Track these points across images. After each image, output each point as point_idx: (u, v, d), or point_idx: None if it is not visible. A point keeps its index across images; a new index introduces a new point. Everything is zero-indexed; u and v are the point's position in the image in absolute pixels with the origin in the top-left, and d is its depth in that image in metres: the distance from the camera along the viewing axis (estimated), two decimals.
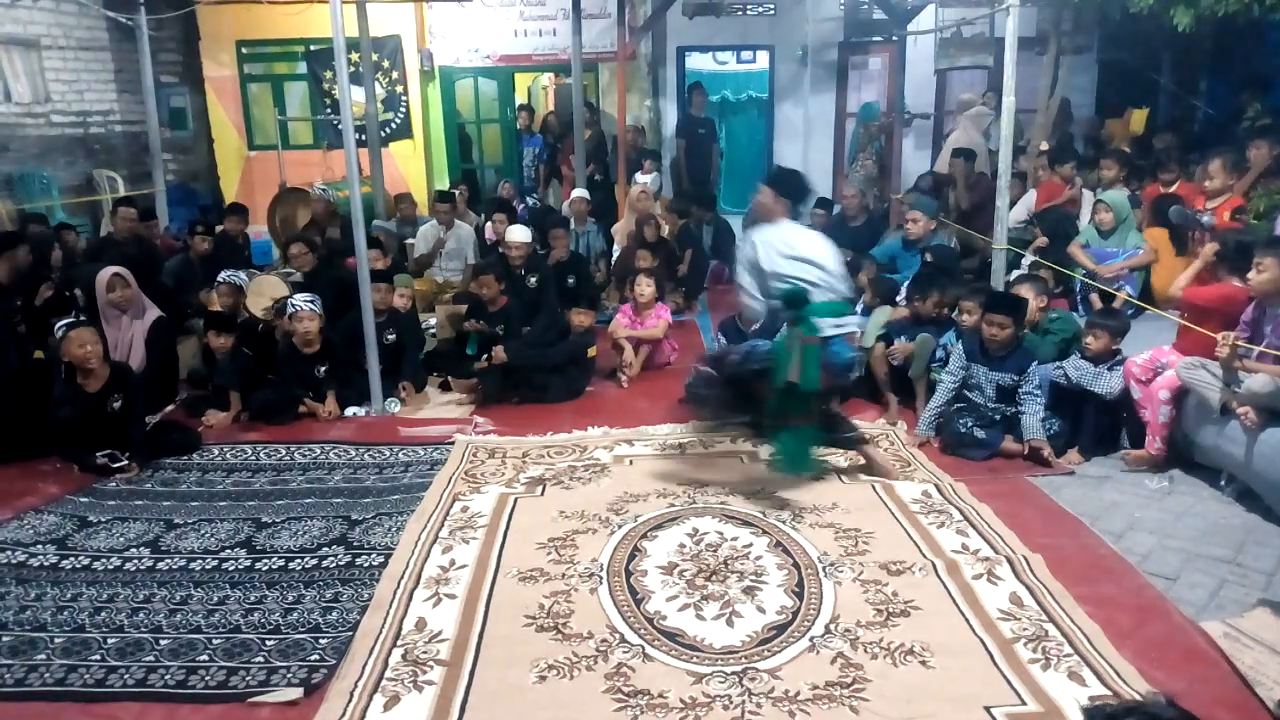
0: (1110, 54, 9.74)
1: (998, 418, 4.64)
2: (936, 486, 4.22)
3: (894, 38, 10.31)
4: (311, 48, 10.29)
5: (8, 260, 6.24)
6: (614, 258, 8.01)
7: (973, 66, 9.29)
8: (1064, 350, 4.84)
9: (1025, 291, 4.96)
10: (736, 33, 10.76)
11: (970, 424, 4.61)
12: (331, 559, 3.65)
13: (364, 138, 8.59)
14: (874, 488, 4.22)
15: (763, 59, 11.31)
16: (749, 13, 10.64)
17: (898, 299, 5.94)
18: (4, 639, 3.13)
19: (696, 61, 11.36)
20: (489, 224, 8.24)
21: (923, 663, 2.88)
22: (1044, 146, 7.89)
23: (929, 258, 6.22)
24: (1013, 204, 6.44)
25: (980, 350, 4.67)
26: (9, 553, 3.76)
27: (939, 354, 5.17)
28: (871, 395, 5.41)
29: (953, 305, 5.35)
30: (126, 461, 4.56)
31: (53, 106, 8.95)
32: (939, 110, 10.86)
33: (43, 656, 3.02)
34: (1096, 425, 4.56)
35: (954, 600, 3.24)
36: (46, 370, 4.86)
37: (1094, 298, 5.74)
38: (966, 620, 3.11)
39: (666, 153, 10.59)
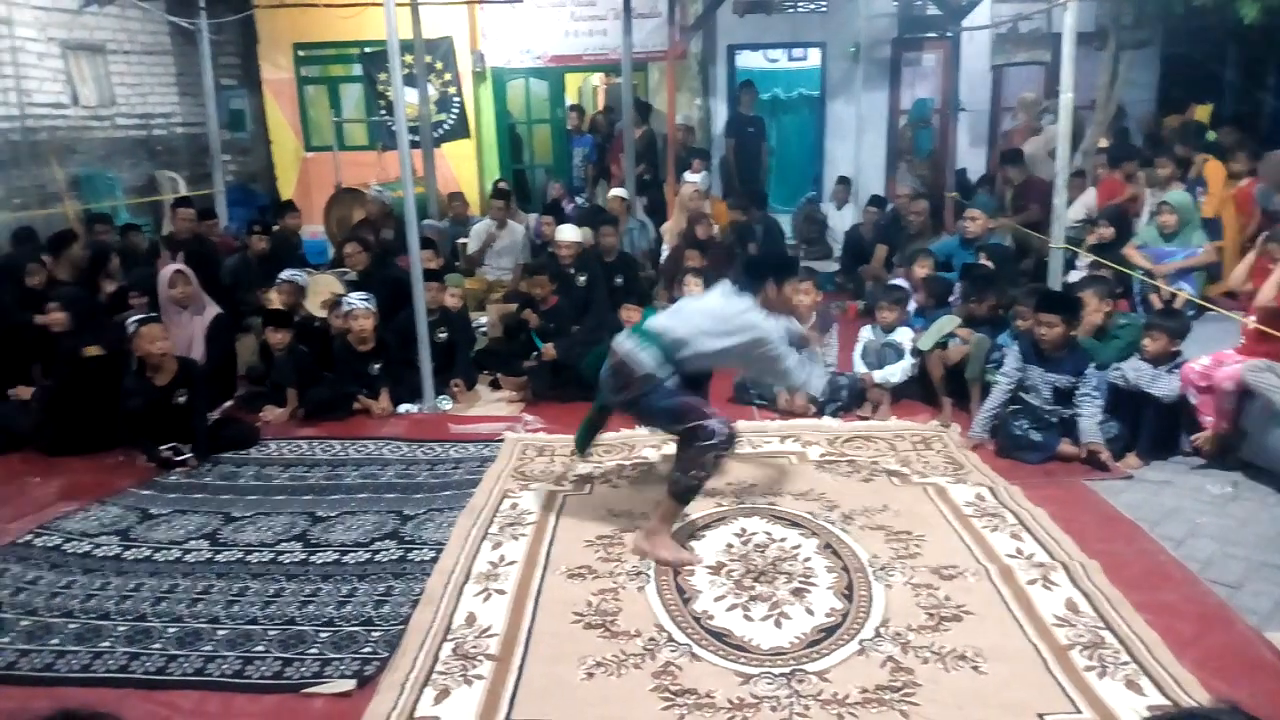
0: (1173, 48, 9.51)
1: (1054, 420, 4.55)
2: (990, 490, 4.15)
3: (948, 34, 10.17)
4: (366, 50, 10.43)
5: (66, 258, 6.45)
6: (663, 256, 8.01)
7: (1030, 62, 9.14)
8: (1127, 355, 4.72)
9: (1089, 296, 4.85)
10: (787, 30, 10.71)
11: (1026, 426, 4.53)
12: (384, 553, 3.70)
13: (418, 139, 8.69)
14: (926, 490, 4.17)
15: (814, 56, 11.23)
16: (800, 10, 10.57)
17: (950, 298, 5.87)
18: (70, 626, 3.22)
19: (747, 60, 11.32)
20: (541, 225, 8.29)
21: (975, 668, 2.84)
22: (1103, 144, 7.73)
23: (983, 257, 6.12)
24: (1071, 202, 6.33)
25: (1036, 351, 4.59)
26: (75, 542, 3.87)
27: (994, 355, 5.10)
28: (925, 398, 5.34)
29: (1008, 306, 5.27)
30: (190, 455, 4.68)
31: (118, 109, 9.21)
32: (994, 107, 10.70)
33: (107, 644, 3.11)
34: (1155, 428, 4.44)
35: (1007, 605, 3.18)
36: (114, 366, 5.00)
37: (1154, 298, 5.61)
38: (1020, 626, 3.06)
39: (716, 152, 10.57)
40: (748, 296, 3.70)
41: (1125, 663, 2.83)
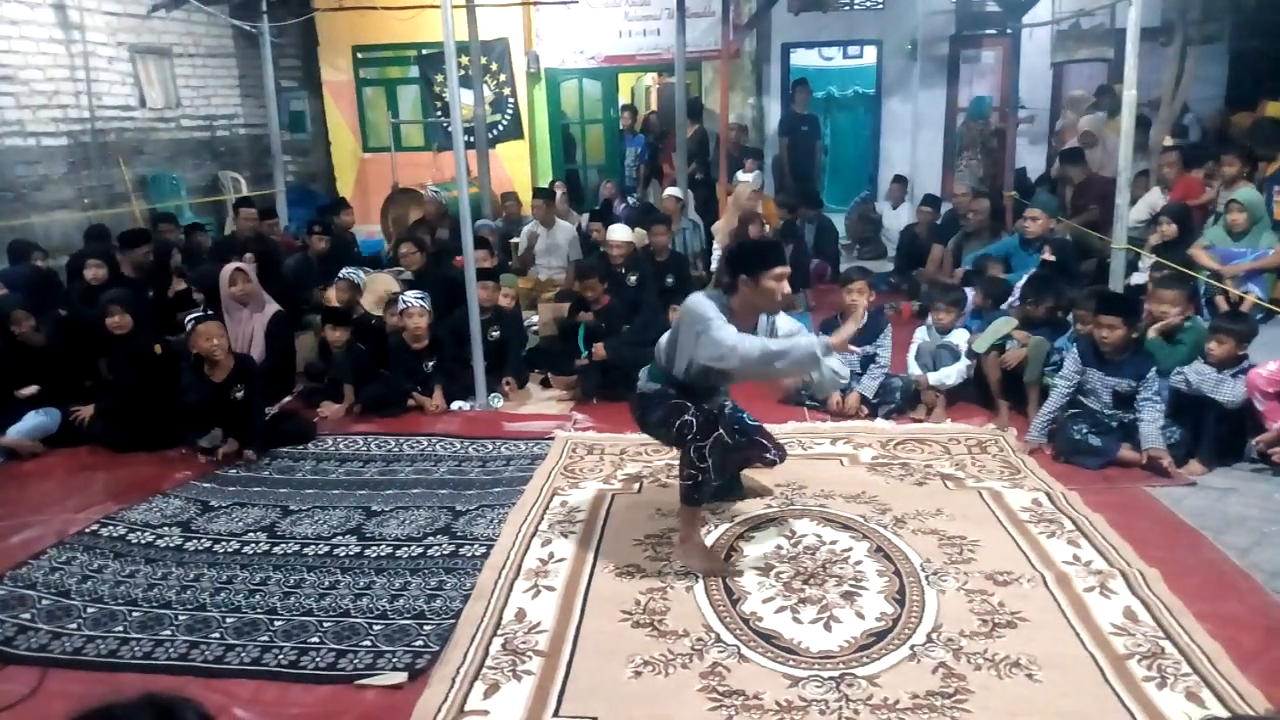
0: (1243, 43, 9.23)
1: (1114, 425, 4.45)
2: (1048, 495, 4.07)
3: (1008, 30, 10.00)
4: (423, 52, 10.58)
5: (129, 257, 6.64)
6: (712, 256, 8.00)
7: (1092, 59, 8.94)
8: (1192, 360, 4.58)
9: (1172, 295, 4.72)
10: (843, 28, 10.62)
11: (1085, 431, 4.44)
12: (436, 548, 3.75)
13: (472, 139, 8.78)
14: (981, 494, 4.11)
15: (870, 54, 11.13)
16: (856, 7, 10.47)
17: (1008, 300, 5.77)
18: (133, 614, 3.32)
19: (801, 58, 11.26)
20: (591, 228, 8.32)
21: (1029, 675, 2.79)
22: (1168, 142, 7.52)
23: (1048, 252, 5.98)
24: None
25: (1096, 354, 4.49)
26: (139, 533, 3.98)
27: (1053, 358, 5.00)
28: (981, 400, 5.25)
29: (1068, 308, 5.16)
30: (222, 440, 4.79)
31: (183, 111, 9.46)
32: (1055, 105, 10.50)
33: (168, 632, 3.19)
34: (1219, 434, 4.32)
35: (1063, 613, 3.12)
36: (173, 362, 5.14)
37: (1219, 300, 5.45)
38: (1076, 634, 2.99)
39: (769, 150, 10.52)
40: (716, 297, 3.48)
41: (1186, 674, 2.76)
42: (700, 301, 3.42)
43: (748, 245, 3.81)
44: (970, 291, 5.99)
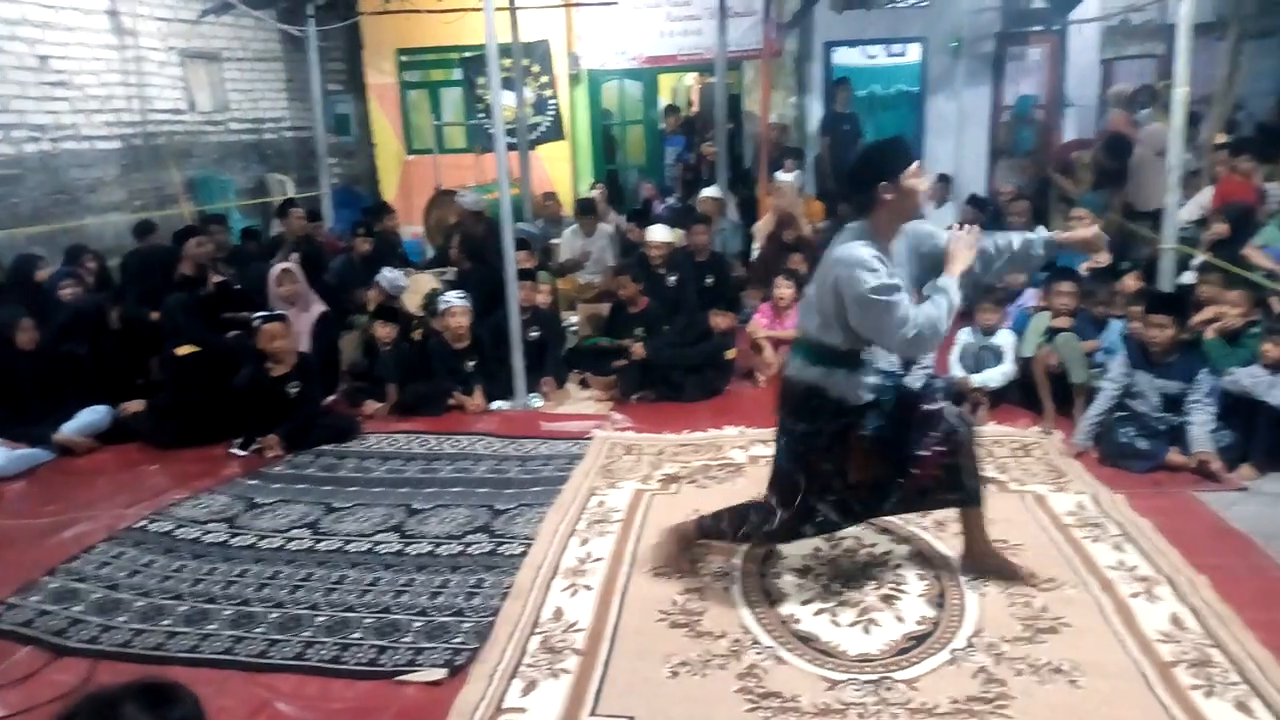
0: None
1: (1163, 428, 4.36)
2: (1093, 499, 4.00)
3: (1055, 27, 9.84)
4: (466, 55, 10.65)
5: (189, 254, 6.75)
6: (751, 256, 7.96)
7: (1142, 55, 8.78)
8: (1250, 364, 4.46)
9: (1232, 296, 4.61)
10: (887, 25, 10.52)
11: (1132, 434, 4.35)
12: (476, 546, 3.78)
13: (514, 141, 8.82)
14: (1024, 498, 4.05)
15: (914, 52, 11.01)
16: (900, 5, 10.37)
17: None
18: (180, 608, 3.39)
19: (844, 56, 11.15)
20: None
21: (1071, 682, 2.75)
22: (1220, 139, 7.35)
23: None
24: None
25: (1144, 356, 4.40)
26: (186, 529, 4.06)
27: (1098, 357, 4.91)
28: (1026, 402, 5.17)
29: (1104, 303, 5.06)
30: (255, 447, 4.91)
31: (231, 115, 9.62)
32: (1103, 102, 10.32)
33: (213, 626, 3.25)
34: (1271, 438, 4.21)
35: (1107, 619, 3.07)
36: (213, 363, 5.24)
37: (1274, 301, 5.31)
38: (1120, 640, 2.94)
39: (810, 150, 10.46)
40: (858, 234, 2.94)
41: (1235, 683, 2.70)
42: (854, 252, 2.84)
43: (876, 148, 3.16)
44: (1030, 292, 5.89)
